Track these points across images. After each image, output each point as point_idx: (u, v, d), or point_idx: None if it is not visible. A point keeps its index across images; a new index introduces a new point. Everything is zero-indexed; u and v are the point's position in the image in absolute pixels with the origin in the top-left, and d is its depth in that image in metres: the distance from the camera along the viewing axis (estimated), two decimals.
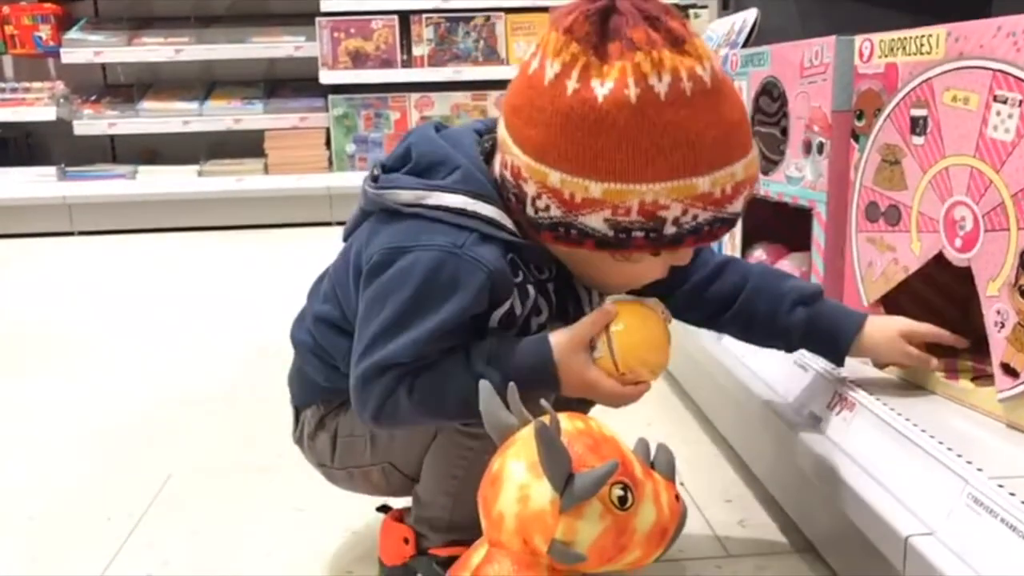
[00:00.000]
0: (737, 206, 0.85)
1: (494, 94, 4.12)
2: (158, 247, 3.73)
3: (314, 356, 1.01)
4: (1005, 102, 0.86)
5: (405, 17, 4.05)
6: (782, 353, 1.09)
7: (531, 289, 0.91)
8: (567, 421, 0.76)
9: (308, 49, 4.07)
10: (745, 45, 1.49)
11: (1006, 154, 0.86)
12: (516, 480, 0.73)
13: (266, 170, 4.14)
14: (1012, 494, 0.75)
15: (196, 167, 4.13)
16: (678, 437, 1.50)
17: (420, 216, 0.88)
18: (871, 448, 0.93)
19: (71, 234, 4.02)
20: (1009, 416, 0.89)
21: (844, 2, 1.65)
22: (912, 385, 1.03)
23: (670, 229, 0.83)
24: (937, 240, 0.97)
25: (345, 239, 1.01)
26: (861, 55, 1.08)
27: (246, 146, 4.15)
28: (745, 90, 1.37)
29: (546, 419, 0.73)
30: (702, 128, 0.80)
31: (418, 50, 4.07)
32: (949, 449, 0.84)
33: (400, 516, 1.02)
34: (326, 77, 4.04)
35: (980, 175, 0.90)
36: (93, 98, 4.24)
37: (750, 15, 1.51)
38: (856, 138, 1.10)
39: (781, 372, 1.17)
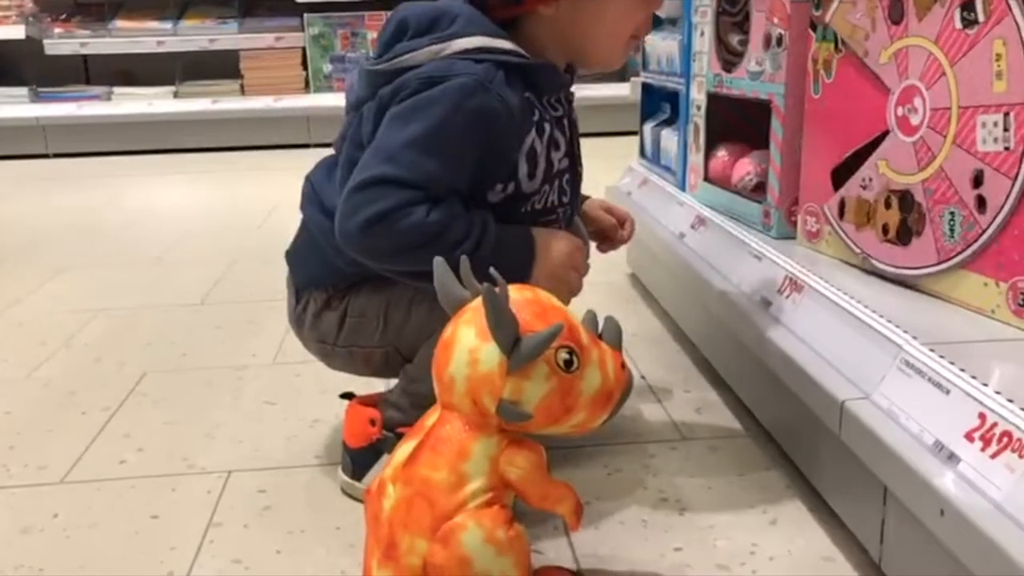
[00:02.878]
0: None
1: None
2: (134, 168, 3.70)
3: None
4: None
5: None
6: (737, 244, 1.11)
7: (547, 126, 0.97)
8: (515, 292, 0.78)
9: None
10: None
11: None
12: (466, 344, 0.76)
13: (242, 91, 4.09)
14: (941, 356, 0.78)
15: (171, 88, 4.08)
16: (640, 335, 1.54)
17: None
18: (815, 325, 0.96)
19: (46, 156, 3.98)
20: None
21: None
22: (859, 269, 1.06)
23: None
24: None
25: (339, 142, 1.03)
26: None
27: (221, 66, 4.09)
28: None
29: (497, 289, 0.75)
30: None
31: None
32: (888, 321, 0.87)
33: (366, 402, 1.05)
34: None
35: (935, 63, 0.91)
36: (63, 17, 4.15)
37: None
38: (814, 28, 1.10)
39: (736, 262, 1.20)
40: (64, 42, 4.05)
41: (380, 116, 0.94)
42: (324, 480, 1.10)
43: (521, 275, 0.91)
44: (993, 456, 0.66)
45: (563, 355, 0.76)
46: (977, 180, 0.88)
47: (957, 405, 0.71)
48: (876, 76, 1.00)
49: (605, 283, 1.74)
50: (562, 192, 1.02)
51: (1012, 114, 0.84)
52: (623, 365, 0.82)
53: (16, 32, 3.93)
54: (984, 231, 0.87)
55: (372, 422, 1.02)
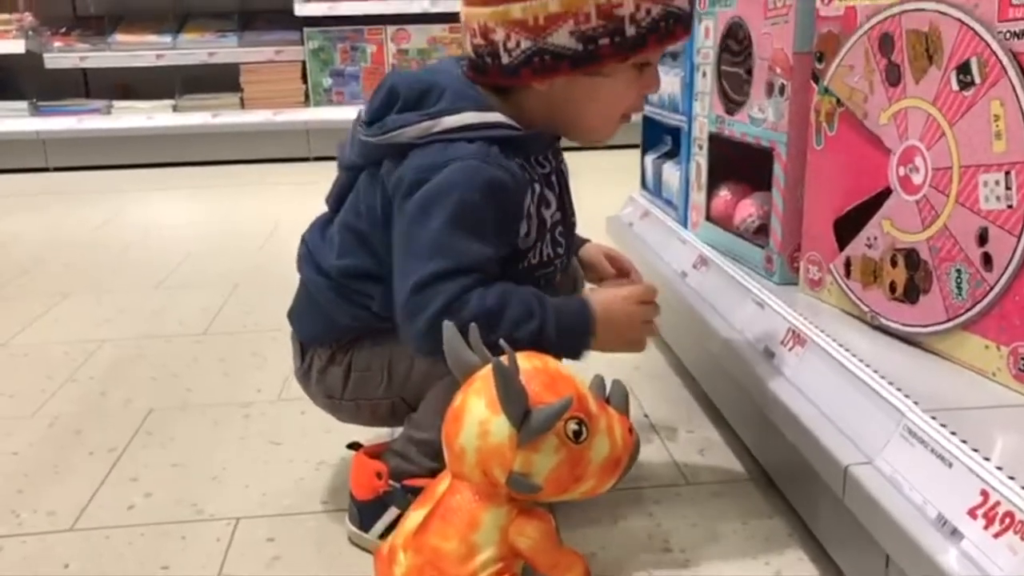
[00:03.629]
0: (681, 1, 0.95)
1: None
2: (134, 182, 3.71)
3: (340, 298, 1.03)
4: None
5: None
6: (741, 293, 1.12)
7: (537, 186, 1.00)
8: (525, 360, 0.79)
9: None
10: None
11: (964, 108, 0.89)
12: (477, 416, 0.77)
13: (242, 105, 4.10)
14: (943, 425, 0.79)
15: (171, 102, 4.09)
16: (644, 371, 1.55)
17: (435, 142, 0.93)
18: (819, 382, 0.97)
19: (46, 169, 3.99)
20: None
21: None
22: (861, 322, 1.07)
23: (630, 30, 0.93)
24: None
25: (336, 207, 1.06)
26: None
27: (221, 80, 4.10)
28: (712, 30, 1.38)
29: (504, 358, 0.76)
30: None
31: None
32: (890, 383, 0.89)
33: (371, 453, 1.06)
34: (301, 9, 3.97)
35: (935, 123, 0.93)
36: (63, 30, 4.16)
37: None
38: (816, 80, 1.12)
39: (739, 308, 1.21)
40: (64, 56, 4.06)
41: (385, 201, 0.96)
42: (332, 527, 1.11)
43: (584, 347, 0.94)
44: (996, 536, 0.67)
45: (572, 426, 0.77)
46: (982, 238, 0.89)
47: (960, 479, 0.73)
48: (877, 137, 1.02)
49: None
50: (556, 244, 1.04)
51: (1013, 173, 0.85)
52: (630, 429, 0.83)
53: (16, 47, 3.94)
54: (992, 288, 0.88)
55: (379, 475, 1.03)
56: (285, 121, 3.98)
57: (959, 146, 0.91)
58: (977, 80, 0.88)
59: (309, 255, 1.08)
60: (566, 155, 1.11)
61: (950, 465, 0.75)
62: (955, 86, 0.90)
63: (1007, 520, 0.67)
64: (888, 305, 1.03)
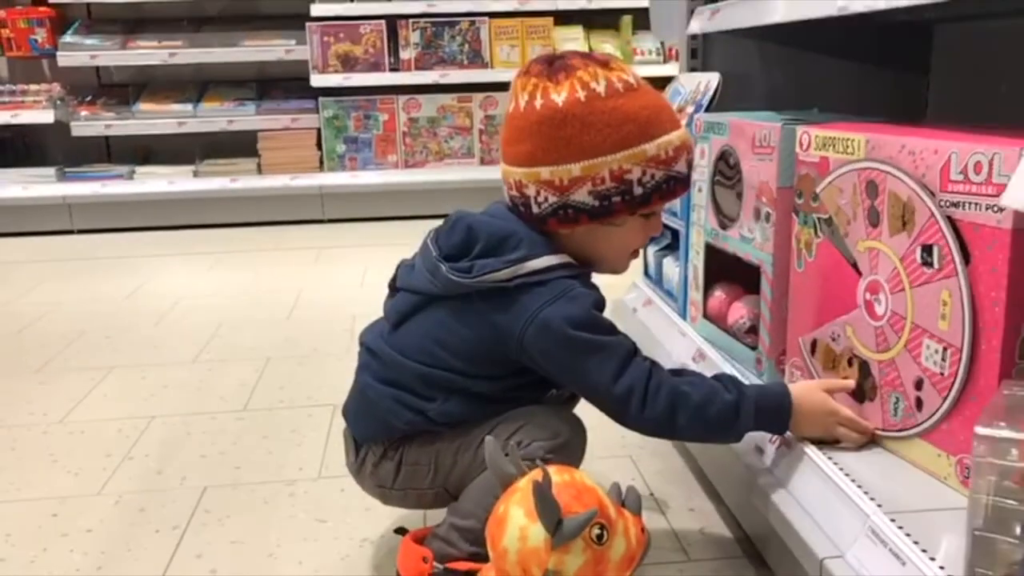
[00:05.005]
0: (681, 166, 1.17)
1: (479, 96, 4.29)
2: (157, 246, 3.90)
3: (399, 405, 1.20)
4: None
5: (392, 22, 4.20)
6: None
7: None
8: (556, 475, 0.96)
9: (298, 52, 4.22)
10: (708, 108, 1.68)
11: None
12: (517, 523, 0.94)
13: (259, 170, 4.30)
14: (900, 527, 0.96)
15: (192, 167, 4.29)
16: (647, 448, 1.71)
17: (527, 284, 1.13)
18: (800, 480, 1.15)
19: (71, 232, 4.18)
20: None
21: (797, 76, 1.85)
22: None
23: (638, 189, 1.14)
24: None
25: (398, 322, 1.24)
26: (801, 144, 1.28)
27: (239, 145, 4.31)
28: (707, 154, 1.57)
29: (538, 474, 0.94)
30: (637, 109, 1.14)
31: (405, 54, 4.23)
32: (859, 486, 1.06)
33: (416, 537, 1.23)
34: (317, 81, 4.19)
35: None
36: (88, 99, 4.37)
37: (714, 78, 1.70)
38: (797, 212, 1.30)
39: None
40: (90, 124, 4.27)
41: (488, 330, 1.15)
42: None
43: (781, 430, 1.18)
44: None
45: (596, 531, 0.94)
46: (919, 385, 1.07)
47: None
48: (852, 257, 1.19)
49: None
50: None
51: (949, 351, 1.02)
52: (643, 529, 1.00)
53: (46, 116, 4.15)
54: (919, 424, 1.07)
55: (424, 559, 1.19)
56: (301, 185, 4.18)
57: (915, 306, 1.07)
58: (936, 265, 1.03)
59: (371, 363, 1.25)
60: None
61: (904, 563, 0.92)
62: (919, 259, 1.06)
63: None
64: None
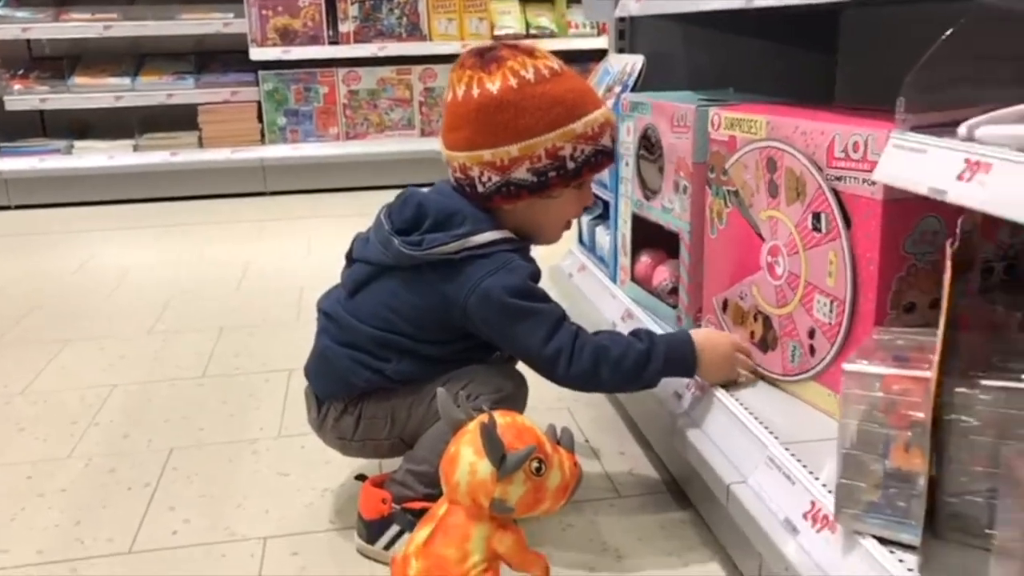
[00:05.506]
0: (607, 140, 1.32)
1: (418, 68, 4.37)
2: (98, 221, 3.92)
3: (357, 365, 1.33)
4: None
5: None
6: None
7: None
8: (500, 418, 1.11)
9: (237, 25, 4.23)
10: (633, 89, 1.83)
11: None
12: (467, 459, 1.08)
13: (200, 143, 4.32)
14: (793, 455, 1.13)
15: (131, 141, 4.29)
16: (582, 400, 1.87)
17: (472, 256, 1.27)
18: (711, 419, 1.32)
19: (8, 208, 4.16)
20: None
21: (717, 58, 2.00)
22: None
23: (571, 164, 1.29)
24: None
25: (354, 290, 1.36)
26: (713, 124, 1.43)
27: (178, 119, 4.32)
28: (632, 131, 1.71)
29: (485, 417, 1.08)
30: (564, 92, 1.28)
31: (344, 27, 4.28)
32: (760, 422, 1.23)
33: (376, 482, 1.36)
34: (256, 54, 4.22)
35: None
36: (21, 72, 4.32)
37: (638, 60, 1.84)
38: (710, 185, 1.46)
39: None
40: (24, 98, 4.23)
41: (437, 298, 1.28)
42: (343, 543, 1.41)
43: (689, 371, 1.33)
44: (818, 531, 1.01)
45: (535, 464, 1.09)
46: (811, 334, 1.24)
47: (799, 494, 1.07)
48: (756, 225, 1.35)
49: None
50: None
51: (835, 303, 1.19)
52: (575, 464, 1.16)
53: None
54: (812, 368, 1.25)
55: (383, 500, 1.33)
56: (242, 159, 4.23)
57: (808, 266, 1.24)
58: (824, 230, 1.19)
59: (329, 327, 1.38)
60: None
61: (793, 483, 1.09)
62: (810, 225, 1.23)
63: (825, 520, 1.01)
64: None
